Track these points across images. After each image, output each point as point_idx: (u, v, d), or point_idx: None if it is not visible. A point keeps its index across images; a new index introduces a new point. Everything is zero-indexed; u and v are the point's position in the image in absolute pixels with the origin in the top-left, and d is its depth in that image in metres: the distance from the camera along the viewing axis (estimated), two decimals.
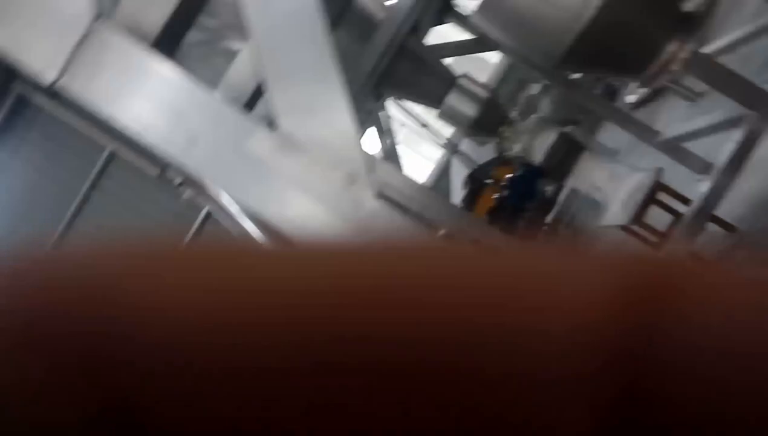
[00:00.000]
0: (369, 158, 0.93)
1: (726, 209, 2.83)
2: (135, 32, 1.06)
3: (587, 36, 1.17)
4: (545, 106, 6.53)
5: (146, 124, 0.90)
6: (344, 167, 0.88)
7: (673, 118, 4.80)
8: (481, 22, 1.29)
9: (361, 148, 0.88)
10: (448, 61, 3.80)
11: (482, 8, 1.26)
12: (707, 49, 3.67)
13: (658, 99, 4.71)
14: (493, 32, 1.32)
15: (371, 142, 4.17)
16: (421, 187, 2.07)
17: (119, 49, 0.88)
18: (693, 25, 1.19)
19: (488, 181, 4.99)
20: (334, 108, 0.87)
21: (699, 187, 2.93)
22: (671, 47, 1.19)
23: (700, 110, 4.30)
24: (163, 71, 0.89)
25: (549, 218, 4.47)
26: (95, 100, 0.90)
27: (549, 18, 1.18)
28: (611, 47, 1.21)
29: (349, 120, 0.87)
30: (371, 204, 0.91)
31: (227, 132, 0.89)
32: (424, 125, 4.99)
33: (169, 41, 1.13)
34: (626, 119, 3.74)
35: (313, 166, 0.89)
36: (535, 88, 5.02)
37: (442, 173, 7.41)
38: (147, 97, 0.88)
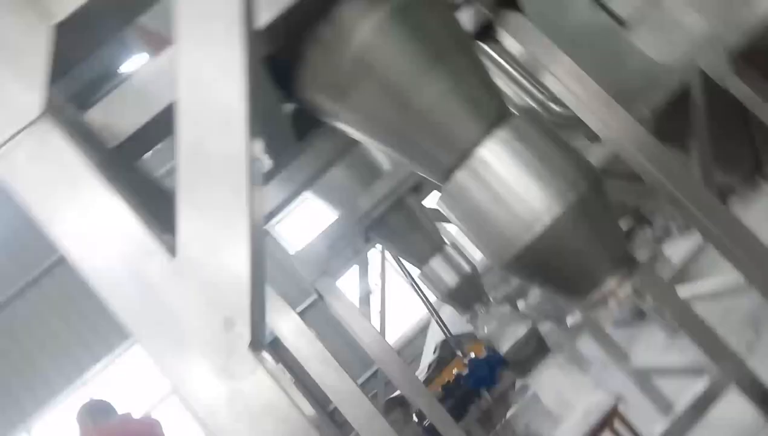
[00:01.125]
0: (258, 308, 0.88)
1: None
2: (98, 134, 1.08)
3: (535, 249, 1.16)
4: (534, 296, 6.54)
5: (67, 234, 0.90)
6: (226, 311, 0.84)
7: (651, 345, 4.73)
8: (443, 207, 1.29)
9: (249, 297, 0.84)
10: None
11: (444, 195, 1.27)
12: (688, 290, 3.69)
13: (641, 323, 4.69)
14: (453, 219, 1.32)
15: (351, 281, 4.13)
16: (324, 356, 2.00)
17: (56, 151, 0.89)
18: (635, 266, 1.18)
19: (458, 353, 4.87)
20: (235, 250, 0.84)
21: (654, 428, 2.80)
22: (611, 283, 1.18)
23: (678, 346, 4.24)
24: (92, 183, 0.89)
25: (501, 419, 4.30)
26: (23, 193, 0.89)
27: (502, 221, 1.19)
28: (556, 266, 1.21)
29: (246, 267, 0.85)
30: (243, 353, 0.87)
31: (133, 249, 0.88)
32: (413, 279, 4.96)
33: (131, 151, 1.15)
34: (602, 336, 3.69)
35: (196, 300, 0.85)
36: None
37: (420, 332, 7.30)
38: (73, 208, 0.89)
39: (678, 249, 6.41)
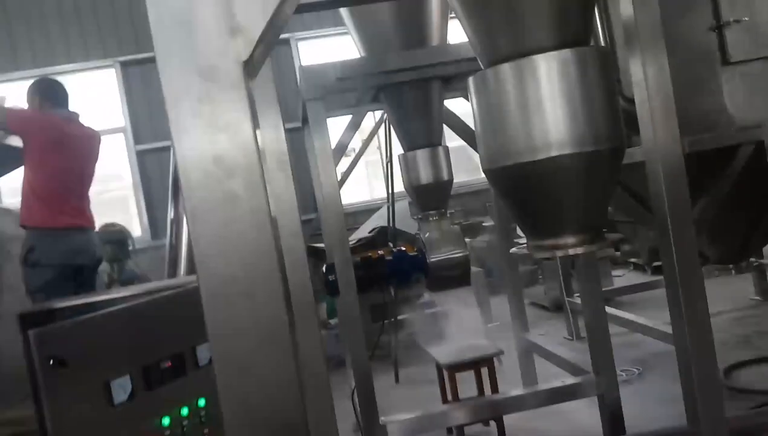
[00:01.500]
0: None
1: None
2: None
3: (527, 171, 1.17)
4: (482, 240, 6.69)
5: None
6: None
7: (553, 335, 4.98)
8: (471, 86, 1.26)
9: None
10: None
11: (480, 77, 1.24)
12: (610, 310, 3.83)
13: (555, 314, 4.87)
14: (473, 102, 1.29)
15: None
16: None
17: None
18: (598, 244, 1.21)
19: (390, 244, 4.99)
20: None
21: (509, 392, 3.01)
22: (569, 239, 1.20)
23: (570, 348, 4.47)
24: None
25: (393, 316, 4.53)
26: None
27: (514, 131, 1.17)
28: (536, 197, 1.22)
29: None
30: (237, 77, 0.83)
31: None
32: (390, 157, 4.90)
33: None
34: (517, 300, 3.83)
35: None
36: None
37: (365, 212, 7.42)
38: None
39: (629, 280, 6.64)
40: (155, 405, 1.98)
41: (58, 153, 3.38)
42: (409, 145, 3.40)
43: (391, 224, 5.06)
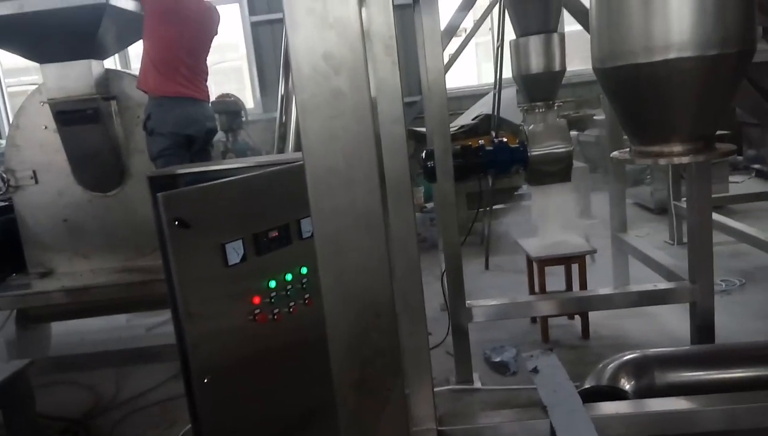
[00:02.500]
0: None
1: None
2: None
3: (640, 72, 1.11)
4: (591, 135, 6.41)
5: None
6: None
7: (655, 240, 4.84)
8: None
9: None
10: None
11: None
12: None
13: (659, 216, 4.69)
14: None
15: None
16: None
17: None
18: (707, 154, 1.15)
19: (492, 133, 4.93)
20: None
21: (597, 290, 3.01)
22: (677, 147, 1.16)
23: (671, 253, 4.35)
24: None
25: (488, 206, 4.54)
26: None
27: (632, 29, 1.10)
28: (646, 100, 1.16)
29: None
30: None
31: None
32: (501, 42, 4.67)
33: None
34: (619, 202, 3.73)
35: None
36: None
37: (472, 97, 7.25)
38: None
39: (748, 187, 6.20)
40: (263, 269, 2.19)
41: (173, 23, 3.47)
42: (522, 31, 3.24)
43: (495, 112, 4.96)
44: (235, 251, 2.10)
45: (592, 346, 3.41)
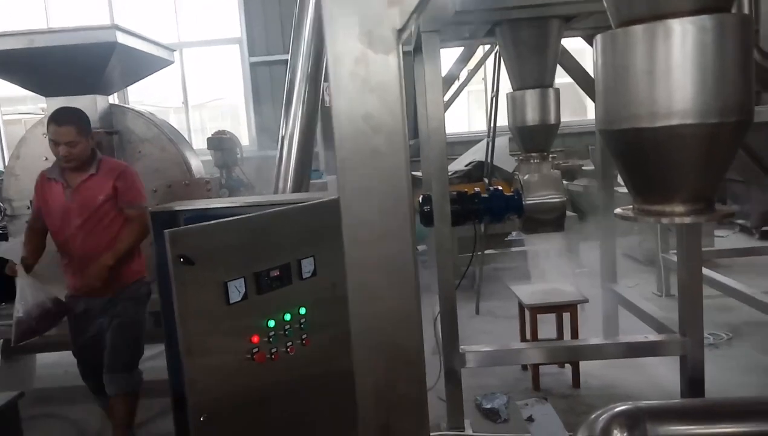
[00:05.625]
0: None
1: None
2: None
3: (644, 137, 1.18)
4: (580, 184, 6.53)
5: None
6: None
7: (644, 292, 4.89)
8: (598, 44, 1.27)
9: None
10: None
11: (608, 37, 1.23)
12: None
13: (647, 267, 4.76)
14: (597, 60, 1.30)
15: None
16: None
17: None
18: (706, 216, 1.21)
19: (485, 180, 5.02)
20: None
21: (588, 339, 3.04)
22: (678, 207, 1.22)
23: (659, 306, 4.39)
24: None
25: (481, 251, 4.59)
26: None
27: (637, 95, 1.17)
28: (649, 163, 1.23)
29: None
30: (389, 33, 0.89)
31: None
32: (496, 92, 4.81)
33: None
34: (609, 251, 3.78)
35: None
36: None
37: (464, 143, 7.38)
38: None
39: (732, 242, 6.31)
40: (263, 308, 2.20)
41: None
42: (519, 84, 3.36)
43: (489, 160, 5.07)
44: (236, 289, 2.12)
45: (583, 395, 3.42)
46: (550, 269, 3.51)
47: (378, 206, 0.77)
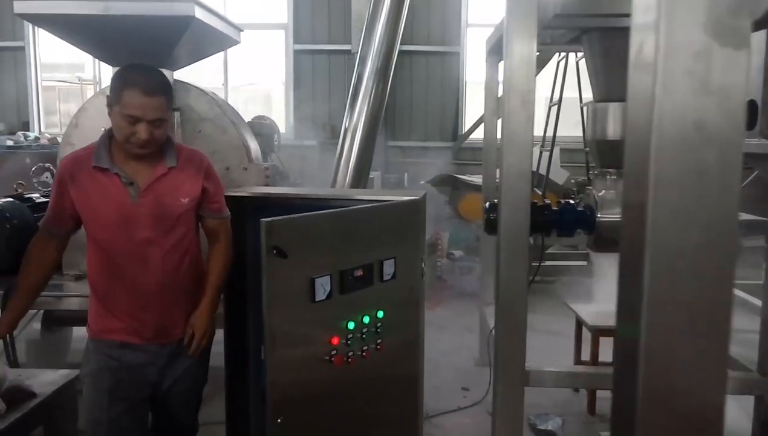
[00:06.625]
0: None
1: None
2: None
3: None
4: None
5: None
6: None
7: None
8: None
9: None
10: None
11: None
12: None
13: None
14: None
15: None
16: None
17: None
18: None
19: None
20: None
21: None
22: None
23: None
24: None
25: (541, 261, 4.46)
26: None
27: None
28: None
29: None
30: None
31: None
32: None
33: None
34: None
35: None
36: None
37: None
38: None
39: None
40: (345, 308, 2.09)
41: None
42: (602, 96, 3.22)
43: (546, 172, 4.93)
44: (322, 287, 2.01)
45: None
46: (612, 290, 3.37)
47: (696, 237, 0.63)
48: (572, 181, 6.18)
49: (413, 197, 2.40)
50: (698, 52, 0.62)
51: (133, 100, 2.01)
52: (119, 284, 2.12)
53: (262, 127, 7.18)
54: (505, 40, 2.35)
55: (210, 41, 3.56)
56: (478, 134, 7.73)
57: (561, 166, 5.74)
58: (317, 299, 1.99)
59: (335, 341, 2.07)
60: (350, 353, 2.11)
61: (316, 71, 8.21)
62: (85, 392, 2.16)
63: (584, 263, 6.03)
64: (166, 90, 2.11)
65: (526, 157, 2.74)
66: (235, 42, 3.77)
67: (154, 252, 2.11)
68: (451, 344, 4.48)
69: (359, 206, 2.19)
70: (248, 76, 9.28)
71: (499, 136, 4.86)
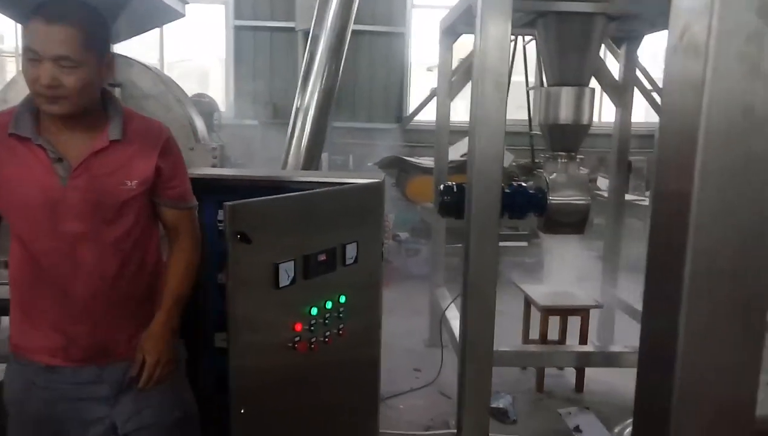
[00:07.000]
0: None
1: None
2: None
3: None
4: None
5: None
6: None
7: None
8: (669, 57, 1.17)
9: None
10: None
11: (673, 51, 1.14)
12: None
13: None
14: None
15: None
16: None
17: None
18: None
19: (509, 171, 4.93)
20: None
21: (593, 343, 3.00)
22: None
23: None
24: None
25: None
26: None
27: None
28: None
29: None
30: None
31: None
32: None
33: None
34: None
35: None
36: None
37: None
38: None
39: None
40: (308, 294, 2.03)
41: None
42: (555, 80, 3.26)
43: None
44: (286, 273, 1.94)
45: (586, 400, 3.41)
46: (569, 273, 3.46)
47: (738, 229, 0.61)
48: (513, 163, 6.28)
49: (375, 180, 2.36)
50: (750, 34, 0.61)
51: (34, 31, 1.51)
52: (44, 292, 1.66)
53: (201, 106, 6.92)
54: (479, 21, 2.32)
55: (153, 14, 3.37)
56: (423, 116, 7.75)
57: (505, 149, 5.82)
58: (281, 285, 1.92)
59: (298, 327, 2.02)
60: (313, 339, 2.07)
61: (258, 48, 7.99)
62: (9, 426, 1.73)
63: (524, 244, 6.18)
64: (82, 21, 1.54)
65: (498, 140, 2.72)
66: (180, 15, 3.59)
67: (86, 250, 1.64)
68: (401, 327, 4.49)
69: (323, 189, 2.12)
70: (183, 52, 8.92)
71: (457, 118, 4.85)
